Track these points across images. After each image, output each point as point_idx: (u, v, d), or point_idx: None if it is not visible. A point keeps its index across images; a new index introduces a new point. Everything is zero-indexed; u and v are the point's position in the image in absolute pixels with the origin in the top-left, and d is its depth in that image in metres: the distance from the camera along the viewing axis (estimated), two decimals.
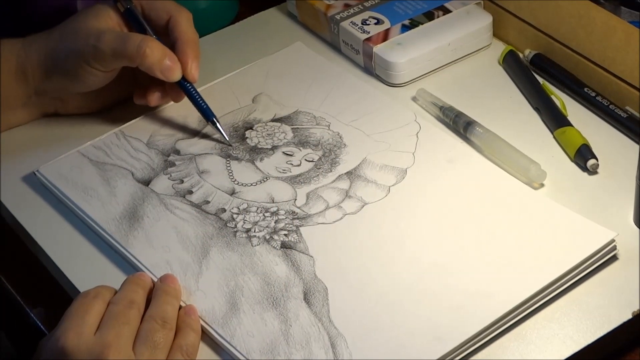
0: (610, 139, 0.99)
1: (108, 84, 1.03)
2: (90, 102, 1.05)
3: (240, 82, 1.08)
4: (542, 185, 0.95)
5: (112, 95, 1.06)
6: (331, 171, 0.97)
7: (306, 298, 0.86)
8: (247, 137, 1.02)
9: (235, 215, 0.93)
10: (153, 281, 0.87)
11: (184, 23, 1.02)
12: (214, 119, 1.01)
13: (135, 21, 1.02)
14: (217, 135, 1.02)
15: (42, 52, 1.01)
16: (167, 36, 1.02)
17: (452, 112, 1.02)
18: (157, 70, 0.99)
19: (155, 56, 0.98)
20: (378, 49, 1.07)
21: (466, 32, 1.09)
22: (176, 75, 1.00)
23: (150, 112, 1.05)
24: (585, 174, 0.96)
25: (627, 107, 0.99)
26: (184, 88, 1.02)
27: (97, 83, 1.01)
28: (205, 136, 1.02)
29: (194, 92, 1.02)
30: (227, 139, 1.01)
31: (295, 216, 0.93)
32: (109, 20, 1.01)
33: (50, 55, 1.01)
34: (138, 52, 0.98)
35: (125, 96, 1.06)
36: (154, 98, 1.03)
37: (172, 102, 1.05)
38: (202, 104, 1.02)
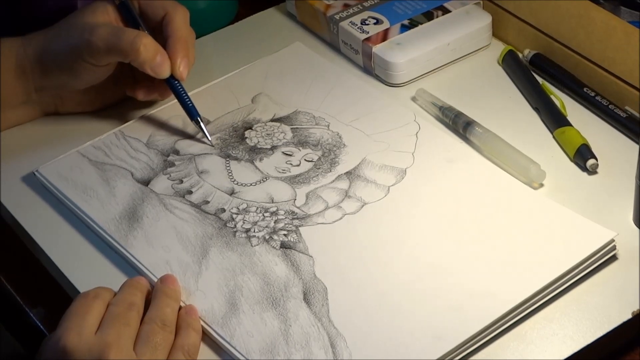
0: (610, 139, 0.99)
1: (108, 82, 1.03)
2: (90, 100, 1.05)
3: (240, 82, 1.08)
4: (541, 185, 0.95)
5: (112, 94, 1.06)
6: (331, 171, 0.97)
7: (306, 298, 0.85)
8: (246, 137, 1.02)
9: (234, 215, 0.93)
10: (151, 284, 0.87)
11: (178, 20, 1.01)
12: (198, 119, 1.01)
13: (128, 14, 1.02)
14: (200, 135, 1.02)
15: (39, 48, 1.01)
16: (162, 33, 1.02)
17: (451, 112, 1.02)
18: (148, 66, 0.99)
19: (149, 52, 0.98)
20: (377, 49, 1.07)
21: (465, 32, 1.09)
22: (165, 73, 1.00)
23: (149, 112, 1.05)
24: (585, 173, 0.96)
25: (627, 107, 0.99)
26: (171, 85, 1.02)
27: (93, 79, 1.01)
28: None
29: (180, 90, 1.02)
30: (210, 139, 1.01)
31: (295, 216, 0.93)
32: (105, 16, 1.01)
33: (46, 51, 1.01)
34: (132, 48, 0.98)
35: (126, 95, 1.05)
36: (141, 92, 1.03)
37: (173, 101, 1.05)
38: (188, 102, 1.02)
